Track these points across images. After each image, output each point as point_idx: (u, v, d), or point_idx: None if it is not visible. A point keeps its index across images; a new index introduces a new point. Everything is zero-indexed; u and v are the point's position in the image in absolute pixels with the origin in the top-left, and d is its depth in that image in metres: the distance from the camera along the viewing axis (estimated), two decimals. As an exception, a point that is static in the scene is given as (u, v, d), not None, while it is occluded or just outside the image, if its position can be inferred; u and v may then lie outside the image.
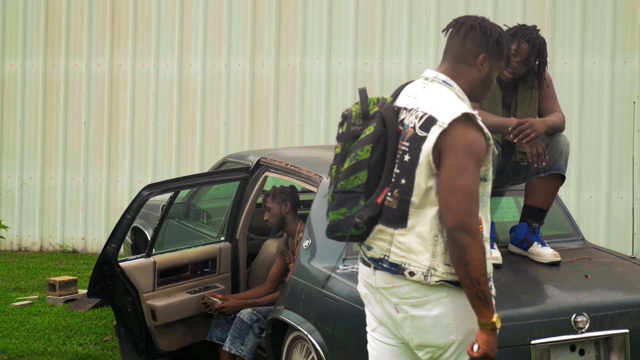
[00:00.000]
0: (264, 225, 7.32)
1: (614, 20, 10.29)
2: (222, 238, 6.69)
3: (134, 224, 7.88)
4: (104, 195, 11.80)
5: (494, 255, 5.40)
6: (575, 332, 4.82)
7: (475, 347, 3.53)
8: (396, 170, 3.63)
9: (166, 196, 6.65)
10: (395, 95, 3.81)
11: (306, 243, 5.65)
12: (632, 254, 9.04)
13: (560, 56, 10.41)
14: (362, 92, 3.85)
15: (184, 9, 11.58)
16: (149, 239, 6.88)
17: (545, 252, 5.52)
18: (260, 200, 6.65)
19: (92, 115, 11.86)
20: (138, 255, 6.52)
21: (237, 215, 6.61)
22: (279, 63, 11.29)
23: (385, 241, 3.68)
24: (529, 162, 5.60)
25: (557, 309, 4.88)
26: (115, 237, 6.09)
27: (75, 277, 9.16)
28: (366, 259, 3.78)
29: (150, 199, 6.28)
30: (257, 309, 6.07)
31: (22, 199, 12.08)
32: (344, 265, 5.34)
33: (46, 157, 11.99)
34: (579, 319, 4.83)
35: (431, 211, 3.58)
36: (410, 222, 3.61)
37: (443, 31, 3.88)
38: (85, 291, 8.72)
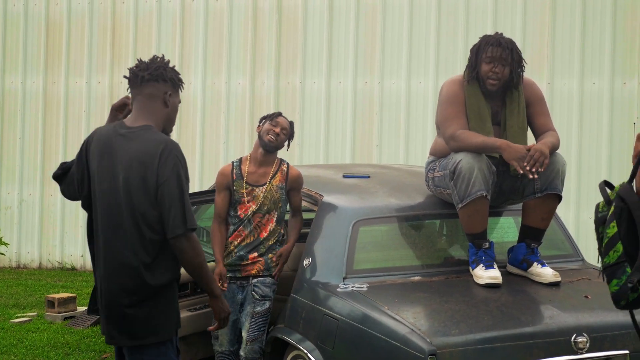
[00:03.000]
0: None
1: (614, 42, 10.32)
2: (223, 256, 6.67)
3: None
4: (103, 212, 11.79)
5: (493, 275, 5.42)
6: (575, 353, 4.82)
7: None
8: None
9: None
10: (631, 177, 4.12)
11: (306, 261, 5.65)
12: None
13: (559, 76, 10.44)
14: (601, 187, 4.15)
15: (184, 27, 11.61)
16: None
17: (545, 273, 5.53)
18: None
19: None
20: (138, 273, 6.51)
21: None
22: (279, 82, 11.32)
23: None
24: (527, 181, 5.62)
25: (557, 329, 4.88)
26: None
27: (74, 294, 9.15)
28: None
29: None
30: (252, 336, 5.90)
31: (22, 215, 12.08)
32: (345, 284, 5.34)
33: (46, 174, 11.99)
34: (579, 339, 4.83)
35: None
36: None
37: None
38: (84, 308, 8.72)
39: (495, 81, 5.59)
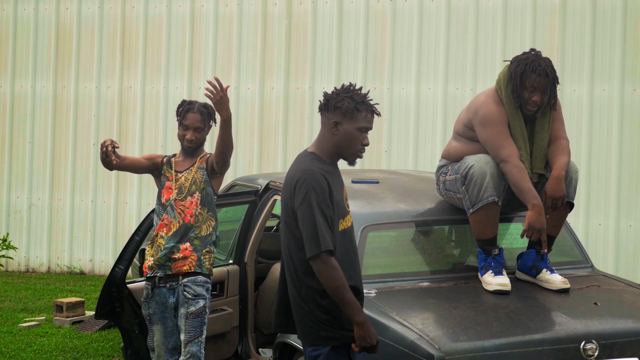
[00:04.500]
0: (272, 249, 7.31)
1: (624, 48, 10.30)
2: (231, 261, 6.68)
3: (142, 246, 7.88)
4: (112, 217, 11.81)
5: (502, 281, 5.40)
6: (585, 360, 4.81)
7: None
8: None
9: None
10: None
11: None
12: (641, 282, 9.01)
13: (569, 83, 10.41)
14: None
15: (194, 32, 11.63)
16: (157, 261, 6.85)
17: (554, 279, 5.51)
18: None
19: (101, 137, 11.88)
20: (146, 277, 6.51)
21: (246, 238, 6.61)
22: (288, 87, 11.32)
23: None
24: (539, 188, 5.59)
25: (566, 336, 4.86)
26: (124, 259, 6.11)
27: (83, 299, 9.16)
28: None
29: (159, 222, 6.28)
30: None
31: (31, 220, 12.10)
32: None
33: (55, 179, 12.01)
34: (588, 346, 4.81)
35: None
36: None
37: None
38: (92, 313, 8.72)
39: (535, 108, 5.59)
